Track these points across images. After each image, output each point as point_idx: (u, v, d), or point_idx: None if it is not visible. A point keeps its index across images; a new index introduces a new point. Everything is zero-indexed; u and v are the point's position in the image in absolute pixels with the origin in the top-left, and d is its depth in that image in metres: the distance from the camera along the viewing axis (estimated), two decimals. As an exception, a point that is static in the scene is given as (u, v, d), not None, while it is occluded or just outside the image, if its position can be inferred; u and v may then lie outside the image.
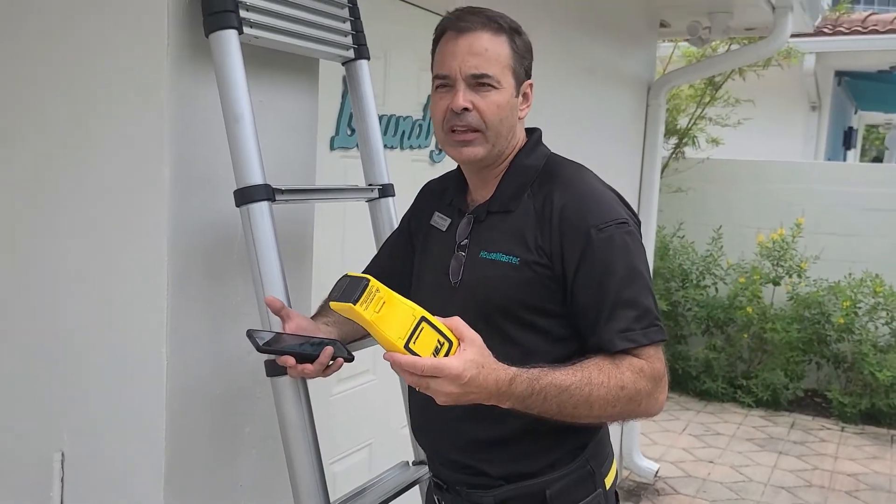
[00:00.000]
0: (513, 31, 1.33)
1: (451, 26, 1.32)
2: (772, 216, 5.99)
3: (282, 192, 1.42)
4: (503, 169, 1.38)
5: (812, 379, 5.75)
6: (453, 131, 1.32)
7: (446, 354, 1.12)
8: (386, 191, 1.71)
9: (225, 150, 1.38)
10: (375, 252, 1.67)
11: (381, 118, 2.10)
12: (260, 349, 1.28)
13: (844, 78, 8.81)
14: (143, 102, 1.41)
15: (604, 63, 3.63)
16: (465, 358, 1.11)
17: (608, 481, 1.39)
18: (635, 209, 1.38)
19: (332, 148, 2.09)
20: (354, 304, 1.10)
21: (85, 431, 1.55)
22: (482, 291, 1.31)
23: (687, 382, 5.84)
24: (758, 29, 4.29)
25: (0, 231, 1.63)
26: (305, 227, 1.73)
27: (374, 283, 1.12)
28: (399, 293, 1.55)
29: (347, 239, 2.11)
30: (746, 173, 6.30)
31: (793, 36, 4.08)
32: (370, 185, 1.70)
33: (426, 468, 1.60)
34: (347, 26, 1.65)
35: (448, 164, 2.48)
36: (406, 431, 1.72)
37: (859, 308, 5.45)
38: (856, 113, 11.21)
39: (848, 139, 10.32)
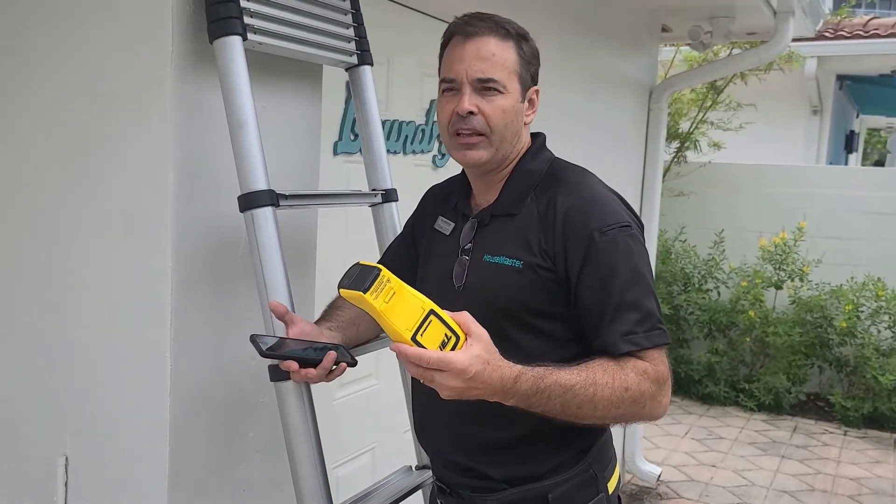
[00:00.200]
0: (520, 37, 1.34)
1: (459, 31, 1.33)
2: (774, 220, 5.98)
3: (285, 197, 1.42)
4: (507, 173, 1.38)
5: (814, 383, 5.74)
6: (458, 135, 1.32)
7: (453, 348, 1.12)
8: (389, 196, 1.71)
9: (229, 155, 1.39)
10: (379, 257, 1.67)
11: (384, 123, 2.11)
12: (263, 354, 1.29)
13: (846, 82, 8.82)
14: (148, 108, 1.42)
15: (606, 68, 3.64)
16: (472, 353, 1.11)
17: (611, 485, 1.40)
18: (637, 213, 1.39)
19: (335, 153, 2.09)
20: (364, 293, 1.09)
21: (89, 435, 1.55)
22: (486, 295, 1.32)
23: (689, 386, 5.83)
24: (759, 33, 4.30)
25: (4, 237, 1.64)
26: (309, 232, 1.74)
27: (386, 272, 1.11)
28: None
29: (350, 244, 2.11)
30: (748, 177, 6.30)
31: (794, 40, 4.09)
32: (373, 190, 1.71)
33: (429, 472, 1.60)
34: (351, 32, 1.66)
35: (451, 169, 2.49)
36: (409, 435, 1.72)
37: (861, 312, 5.44)
38: (857, 117, 11.21)
39: (850, 143, 10.32)
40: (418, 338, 1.11)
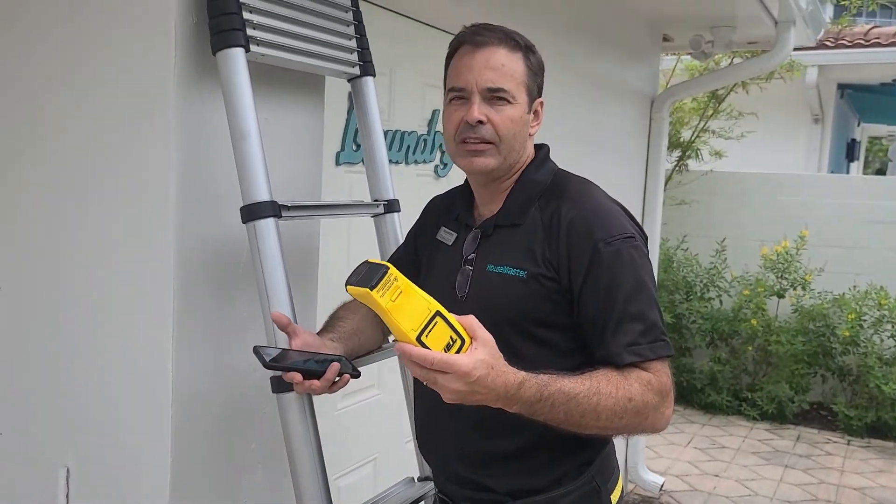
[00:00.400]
0: (528, 49, 1.36)
1: (469, 40, 1.34)
2: (775, 228, 5.98)
3: (288, 208, 1.42)
4: (511, 183, 1.39)
5: (817, 392, 5.73)
6: (465, 142, 1.33)
7: (458, 351, 1.11)
8: (391, 206, 1.72)
9: (231, 166, 1.39)
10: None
11: (386, 133, 2.11)
12: (267, 366, 1.29)
13: (847, 90, 8.83)
14: (151, 119, 1.42)
15: (607, 77, 3.65)
16: (476, 357, 1.11)
17: (614, 497, 1.39)
18: (639, 222, 1.39)
19: (337, 163, 2.10)
20: (371, 290, 1.08)
21: (90, 447, 1.55)
22: (489, 304, 1.31)
23: (692, 395, 5.82)
24: (760, 42, 4.31)
25: (6, 248, 1.64)
26: (311, 243, 1.74)
27: (393, 271, 1.11)
28: None
29: (353, 254, 2.11)
30: (750, 186, 6.30)
31: (795, 49, 4.10)
32: (375, 200, 1.71)
33: (432, 483, 1.60)
34: (353, 43, 1.66)
35: (453, 179, 2.49)
36: (411, 446, 1.72)
37: (864, 320, 5.43)
38: (858, 125, 11.22)
39: (851, 151, 10.32)
40: (423, 338, 1.10)
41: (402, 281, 1.11)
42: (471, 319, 1.15)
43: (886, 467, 4.85)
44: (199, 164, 1.45)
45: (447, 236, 1.45)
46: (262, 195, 1.37)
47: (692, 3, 3.61)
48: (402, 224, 1.72)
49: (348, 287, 1.13)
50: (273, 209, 1.38)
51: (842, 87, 8.58)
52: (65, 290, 1.56)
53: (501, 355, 1.15)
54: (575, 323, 1.30)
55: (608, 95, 3.67)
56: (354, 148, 2.13)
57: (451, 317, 1.13)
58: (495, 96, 1.31)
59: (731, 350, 5.85)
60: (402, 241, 1.67)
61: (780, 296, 5.70)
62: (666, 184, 5.05)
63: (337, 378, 1.30)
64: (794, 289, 5.67)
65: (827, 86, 7.98)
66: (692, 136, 6.11)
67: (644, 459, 4.45)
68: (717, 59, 5.51)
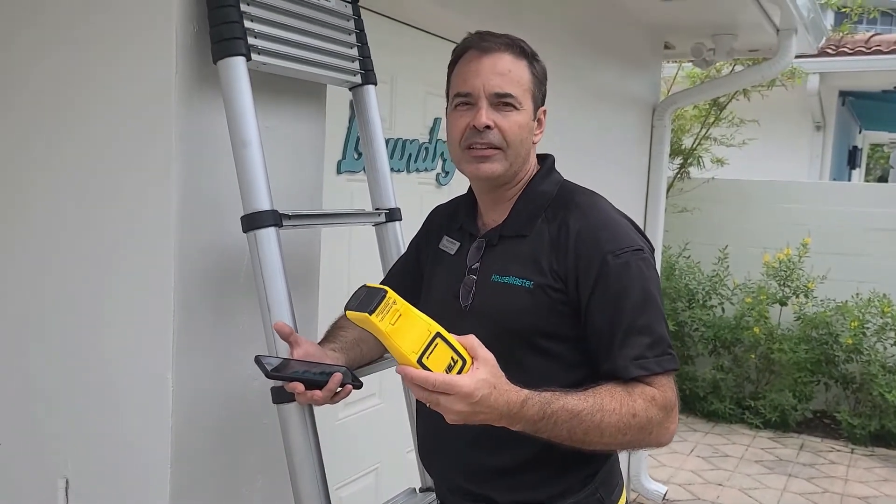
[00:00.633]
0: (532, 57, 1.35)
1: (475, 45, 1.33)
2: (777, 236, 5.97)
3: (289, 217, 1.42)
4: (516, 192, 1.38)
5: (821, 400, 5.70)
6: (471, 148, 1.32)
7: (459, 372, 1.11)
8: (393, 215, 1.71)
9: (232, 175, 1.39)
10: (383, 277, 1.67)
11: (387, 142, 2.10)
12: (269, 375, 1.28)
13: (848, 98, 8.83)
14: (152, 128, 1.42)
15: (609, 85, 3.64)
16: (478, 377, 1.10)
17: (618, 509, 1.38)
18: (646, 234, 1.38)
19: (339, 172, 2.09)
20: (370, 315, 1.08)
21: (89, 458, 1.54)
22: (494, 315, 1.31)
23: (694, 403, 5.79)
24: (761, 50, 4.31)
25: (6, 256, 1.64)
26: (312, 252, 1.73)
27: (392, 294, 1.11)
28: None
29: (354, 263, 2.11)
30: (752, 193, 6.29)
31: (796, 56, 4.09)
32: (377, 209, 1.71)
33: (433, 495, 1.58)
34: (354, 52, 1.66)
35: (455, 187, 2.49)
36: (413, 456, 1.70)
37: (867, 328, 5.41)
38: (860, 132, 11.22)
39: (853, 158, 10.32)
40: (424, 360, 1.10)
41: (401, 304, 1.11)
42: (471, 339, 1.14)
43: (891, 476, 4.82)
44: (199, 172, 1.45)
45: (450, 246, 1.44)
46: (263, 204, 1.36)
47: (693, 11, 3.61)
48: (404, 233, 1.71)
49: (347, 312, 1.13)
50: (274, 218, 1.37)
51: (843, 95, 8.58)
52: (65, 300, 1.55)
53: (503, 374, 1.14)
54: (580, 335, 1.29)
55: (610, 103, 3.67)
56: (356, 156, 2.12)
57: (452, 337, 1.12)
58: (502, 102, 1.30)
59: (733, 358, 5.83)
60: (403, 250, 1.66)
61: (783, 303, 5.68)
62: (668, 191, 5.05)
63: (339, 388, 1.29)
64: (797, 296, 5.65)
65: (828, 93, 7.98)
66: (694, 143, 6.11)
67: (647, 468, 4.42)
68: (718, 66, 5.51)
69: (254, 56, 1.40)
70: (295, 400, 1.34)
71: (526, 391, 1.15)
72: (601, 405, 1.18)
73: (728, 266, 5.89)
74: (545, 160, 1.42)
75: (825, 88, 7.66)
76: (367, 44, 1.69)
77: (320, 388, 1.28)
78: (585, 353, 1.29)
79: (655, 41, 4.15)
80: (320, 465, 1.39)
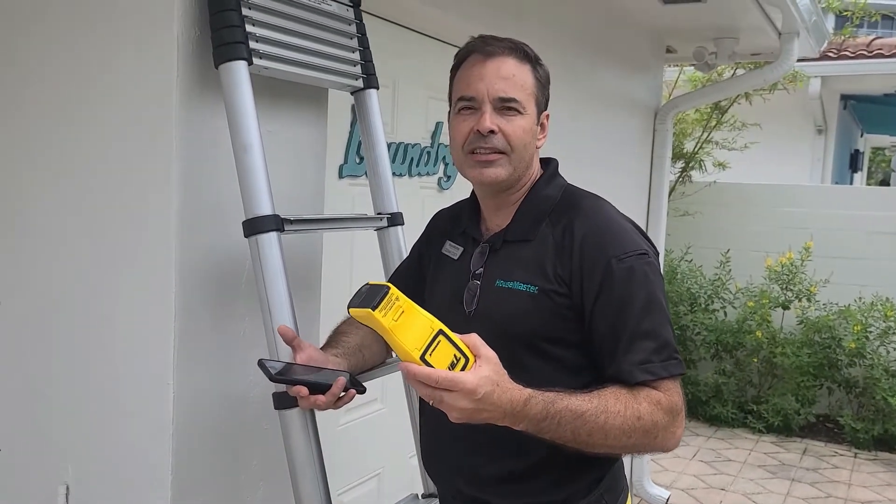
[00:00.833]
0: (535, 61, 1.35)
1: (478, 50, 1.33)
2: (779, 240, 5.96)
3: (290, 222, 1.41)
4: (519, 197, 1.37)
5: (823, 404, 5.69)
6: (474, 153, 1.31)
7: (462, 370, 1.10)
8: (395, 219, 1.70)
9: (234, 180, 1.38)
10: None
11: (389, 146, 2.10)
12: (273, 379, 1.27)
13: (850, 101, 8.83)
14: (153, 133, 1.41)
15: (611, 89, 3.64)
16: (481, 374, 1.09)
17: (623, 515, 1.37)
18: (646, 234, 1.38)
19: (340, 176, 2.09)
20: (373, 311, 1.08)
21: (90, 464, 1.53)
22: (498, 320, 1.30)
23: (697, 407, 5.78)
24: (763, 54, 4.31)
25: (5, 262, 1.63)
26: (314, 257, 1.73)
27: (395, 291, 1.11)
28: None
29: (356, 268, 2.10)
30: (754, 197, 6.28)
31: (798, 60, 4.09)
32: (379, 213, 1.70)
33: (436, 501, 1.57)
34: (356, 56, 1.66)
35: (457, 191, 2.48)
36: (416, 461, 1.70)
37: (870, 332, 5.40)
38: (862, 136, 11.22)
39: (854, 162, 10.31)
40: (427, 357, 1.09)
41: (404, 300, 1.11)
42: (474, 337, 1.13)
43: (894, 480, 4.81)
44: (201, 177, 1.44)
45: (453, 250, 1.44)
46: (265, 209, 1.36)
47: (695, 14, 3.61)
48: (406, 237, 1.70)
49: (350, 309, 1.13)
50: (275, 223, 1.36)
51: (845, 98, 8.58)
52: (66, 305, 1.55)
53: (506, 372, 1.14)
54: (585, 340, 1.28)
55: (612, 107, 3.67)
56: (358, 161, 2.12)
57: (455, 335, 1.12)
58: (507, 106, 1.30)
59: (735, 362, 5.82)
60: (405, 254, 1.66)
61: (785, 307, 5.67)
62: (670, 195, 5.04)
63: (342, 393, 1.29)
64: (800, 300, 5.64)
65: (830, 97, 7.98)
66: (696, 147, 6.10)
67: (649, 473, 4.41)
68: (720, 70, 5.51)
69: (255, 60, 1.40)
70: (297, 405, 1.33)
71: (529, 390, 1.14)
72: (606, 407, 1.17)
73: (730, 270, 5.88)
74: (549, 164, 1.42)
75: (827, 92, 7.66)
76: (368, 47, 1.68)
77: (323, 392, 1.27)
78: (591, 357, 1.28)
79: (657, 45, 4.15)
80: (322, 471, 1.38)
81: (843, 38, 7.25)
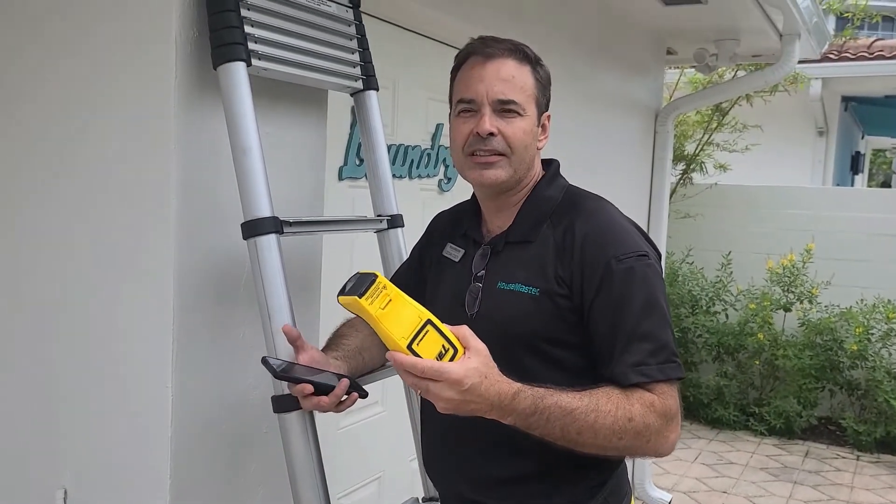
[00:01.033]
0: (536, 62, 1.34)
1: (478, 51, 1.32)
2: (781, 242, 5.95)
3: (290, 224, 1.40)
4: (521, 198, 1.36)
5: (825, 406, 5.67)
6: (474, 155, 1.31)
7: (451, 360, 1.11)
8: (395, 221, 1.69)
9: (232, 182, 1.37)
10: (384, 284, 1.65)
11: (389, 148, 2.09)
12: (277, 375, 1.26)
13: (851, 103, 8.82)
14: (151, 134, 1.40)
15: (612, 91, 3.63)
16: (468, 365, 1.09)
17: (626, 519, 1.36)
18: (648, 236, 1.37)
19: (340, 178, 2.08)
20: (360, 298, 1.09)
21: (88, 468, 1.52)
22: (501, 322, 1.29)
23: (698, 410, 5.76)
24: (764, 56, 4.30)
25: (4, 266, 1.62)
26: (314, 259, 1.72)
27: (382, 279, 1.11)
28: None
29: (356, 270, 2.09)
30: (755, 199, 6.27)
31: (799, 62, 4.08)
32: (379, 215, 1.69)
33: (437, 505, 1.56)
34: (356, 57, 1.65)
35: (457, 193, 2.47)
36: (416, 465, 1.69)
37: (872, 334, 5.38)
38: (863, 138, 11.21)
39: (855, 164, 10.30)
40: (414, 346, 1.09)
41: (392, 289, 1.11)
42: (464, 329, 1.13)
43: (897, 483, 4.79)
44: (199, 179, 1.43)
45: (454, 253, 1.43)
46: (264, 211, 1.35)
47: (696, 16, 3.60)
48: (406, 239, 1.69)
49: (339, 298, 1.13)
50: (274, 225, 1.35)
51: (846, 100, 8.57)
52: (63, 308, 1.54)
53: (495, 365, 1.14)
54: (586, 342, 1.27)
55: (612, 109, 3.66)
56: (357, 163, 2.11)
57: (444, 326, 1.12)
58: (506, 108, 1.29)
59: (737, 364, 5.80)
60: (406, 256, 1.65)
61: (787, 309, 5.65)
62: (671, 197, 5.03)
63: (344, 397, 1.28)
64: (801, 302, 5.63)
65: (831, 98, 7.97)
66: (696, 149, 6.09)
67: (651, 476, 4.40)
68: (720, 72, 5.50)
69: (254, 61, 1.39)
70: (297, 409, 1.32)
71: (519, 384, 1.14)
72: (596, 406, 1.16)
73: (731, 272, 5.87)
74: (550, 165, 1.41)
75: (828, 94, 7.65)
76: (368, 49, 1.67)
77: (326, 393, 1.26)
78: (592, 359, 1.27)
79: (658, 46, 4.14)
80: (321, 475, 1.37)
81: (844, 39, 7.25)
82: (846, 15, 7.30)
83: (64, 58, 1.51)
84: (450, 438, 1.34)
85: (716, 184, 6.16)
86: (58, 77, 1.52)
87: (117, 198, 1.46)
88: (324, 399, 1.26)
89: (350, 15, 1.65)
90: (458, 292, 1.37)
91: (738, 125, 6.07)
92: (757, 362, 5.67)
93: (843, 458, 5.23)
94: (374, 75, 1.69)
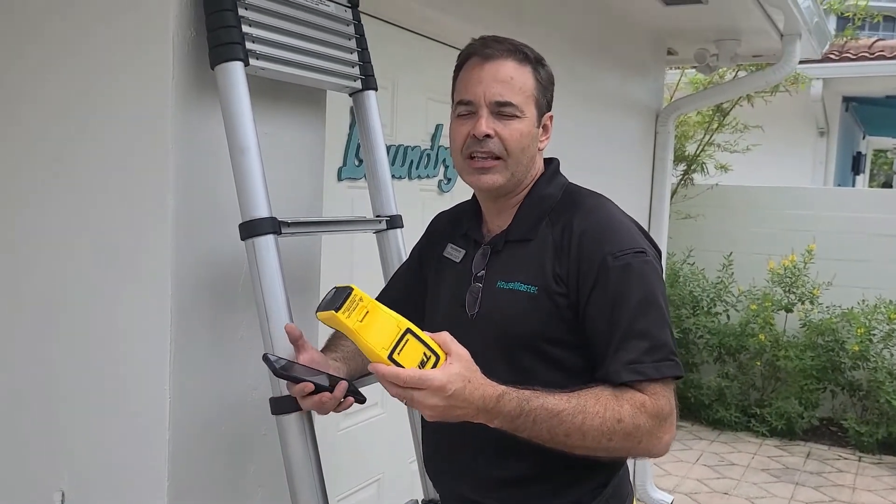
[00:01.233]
0: (537, 62, 1.33)
1: (477, 52, 1.31)
2: (782, 242, 5.94)
3: (288, 224, 1.40)
4: (521, 198, 1.36)
5: (827, 407, 5.65)
6: (472, 158, 1.30)
7: (433, 367, 1.10)
8: (394, 222, 1.69)
9: (230, 182, 1.36)
10: (384, 285, 1.64)
11: (389, 148, 2.08)
12: (277, 373, 1.26)
13: (852, 103, 8.81)
14: (148, 135, 1.40)
15: (612, 92, 3.63)
16: (451, 371, 1.09)
17: (628, 521, 1.35)
18: (648, 233, 1.35)
19: (339, 178, 2.07)
20: (337, 312, 1.09)
21: (86, 470, 1.51)
22: (500, 322, 1.28)
23: (699, 411, 5.75)
24: (765, 56, 4.29)
25: (4, 266, 1.62)
26: (312, 260, 1.71)
27: (358, 291, 1.11)
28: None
29: (356, 271, 2.08)
30: (756, 199, 6.26)
31: (800, 62, 4.08)
32: (378, 216, 1.68)
33: (437, 507, 1.55)
34: (355, 57, 1.64)
35: (457, 194, 2.47)
36: (416, 467, 1.68)
37: (874, 335, 5.37)
38: (864, 138, 11.19)
39: (857, 164, 10.29)
40: (395, 356, 1.09)
41: (368, 301, 1.11)
42: (444, 335, 1.13)
43: (899, 484, 4.78)
44: (197, 179, 1.43)
45: (455, 253, 1.42)
46: (262, 211, 1.34)
47: (697, 16, 3.60)
48: (406, 240, 1.69)
49: (318, 314, 1.14)
50: (272, 226, 1.35)
51: (847, 100, 8.55)
52: (60, 309, 1.53)
53: (478, 369, 1.13)
54: (584, 340, 1.26)
55: (612, 110, 3.65)
56: (357, 163, 2.10)
57: (424, 334, 1.12)
58: (503, 110, 1.28)
59: (738, 365, 5.79)
60: (405, 257, 1.64)
61: (788, 310, 5.64)
62: (672, 198, 5.02)
63: (342, 399, 1.27)
64: (802, 303, 5.61)
65: (832, 99, 7.96)
66: (697, 149, 6.08)
67: (652, 477, 4.38)
68: (721, 72, 5.49)
69: (252, 61, 1.38)
70: (294, 410, 1.31)
71: (503, 387, 1.14)
72: (584, 407, 1.15)
73: (733, 273, 5.86)
74: (549, 164, 1.40)
75: (829, 94, 7.64)
76: (367, 49, 1.67)
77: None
78: (592, 359, 1.26)
79: (658, 47, 4.13)
80: (320, 477, 1.36)
81: (845, 39, 7.24)
82: (847, 15, 7.30)
83: (63, 58, 1.51)
84: (450, 440, 1.33)
85: (717, 184, 6.15)
86: (57, 77, 1.52)
87: (115, 198, 1.45)
88: (326, 395, 1.25)
89: (349, 14, 1.64)
90: (459, 293, 1.36)
91: (738, 126, 6.06)
92: (758, 363, 5.66)
93: (845, 459, 5.21)
94: (373, 75, 1.68)
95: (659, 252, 1.32)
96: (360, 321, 1.09)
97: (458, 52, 1.37)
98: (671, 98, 5.25)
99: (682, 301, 5.88)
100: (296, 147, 1.63)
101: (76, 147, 1.50)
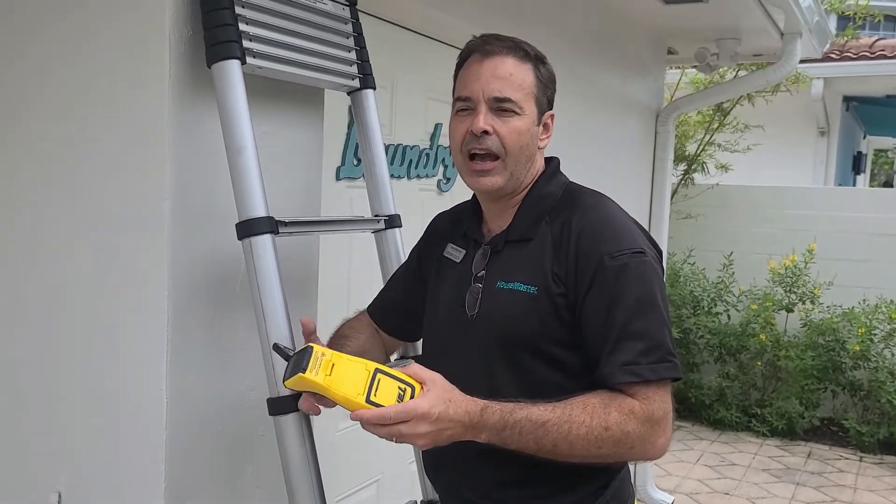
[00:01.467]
0: (538, 60, 1.32)
1: (478, 49, 1.31)
2: (782, 242, 5.93)
3: (285, 224, 1.39)
4: (521, 198, 1.34)
5: (828, 407, 5.65)
6: (471, 158, 1.29)
7: (411, 398, 1.11)
8: (392, 222, 1.68)
9: (227, 182, 1.36)
10: (383, 284, 1.63)
11: (387, 148, 2.08)
12: (289, 360, 1.25)
13: (853, 103, 8.80)
14: (145, 134, 1.39)
15: (613, 91, 3.62)
16: (430, 396, 1.10)
17: (629, 523, 1.34)
18: (648, 233, 1.34)
19: (337, 178, 2.06)
20: (304, 374, 1.10)
21: (83, 471, 1.51)
22: (500, 322, 1.27)
23: (700, 411, 5.75)
24: (766, 55, 4.28)
25: (3, 266, 1.61)
26: (310, 259, 1.70)
27: (318, 348, 1.12)
28: (411, 326, 1.52)
29: (353, 271, 2.08)
30: (757, 199, 6.25)
31: (801, 61, 4.07)
32: (376, 216, 1.67)
33: (435, 508, 1.55)
34: (353, 55, 1.63)
35: (456, 193, 2.46)
36: (415, 468, 1.67)
37: (874, 335, 5.36)
38: (864, 138, 11.19)
39: (857, 164, 10.28)
40: (373, 398, 1.10)
41: (330, 354, 1.12)
42: (413, 366, 1.14)
43: (900, 484, 4.77)
44: (194, 178, 1.42)
45: (455, 253, 1.41)
46: (259, 211, 1.33)
47: (697, 15, 3.59)
48: (404, 240, 1.68)
49: (285, 383, 1.15)
50: (269, 225, 1.34)
51: (847, 100, 8.55)
52: (56, 310, 1.53)
53: (455, 388, 1.14)
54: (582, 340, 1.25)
55: (613, 109, 3.65)
56: (355, 162, 2.09)
57: (393, 370, 1.13)
58: (502, 107, 1.27)
59: (739, 365, 5.78)
60: (404, 257, 1.63)
61: (789, 310, 5.63)
62: (672, 197, 5.01)
63: None
64: (803, 303, 5.60)
65: (832, 98, 7.95)
66: (698, 149, 6.07)
67: (652, 477, 4.38)
68: (722, 71, 5.48)
69: (249, 59, 1.38)
70: (292, 411, 1.31)
71: (485, 401, 1.14)
72: (570, 417, 1.14)
73: (733, 272, 5.85)
74: (549, 163, 1.39)
75: (829, 93, 7.63)
76: (365, 47, 1.66)
77: None
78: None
79: (658, 46, 4.13)
80: (318, 478, 1.35)
81: (845, 39, 7.23)
82: (848, 14, 7.29)
83: (63, 58, 1.50)
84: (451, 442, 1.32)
85: (717, 184, 6.14)
86: (56, 78, 1.51)
87: (114, 197, 1.45)
88: None
89: (346, 13, 1.63)
90: (459, 293, 1.35)
91: (739, 125, 6.05)
92: (759, 363, 5.65)
93: (846, 459, 5.20)
94: (371, 74, 1.67)
95: (660, 252, 1.31)
96: (329, 375, 1.10)
97: (458, 51, 1.36)
98: (671, 97, 5.24)
99: (682, 301, 5.87)
100: (294, 146, 1.62)
101: (76, 147, 1.49)
